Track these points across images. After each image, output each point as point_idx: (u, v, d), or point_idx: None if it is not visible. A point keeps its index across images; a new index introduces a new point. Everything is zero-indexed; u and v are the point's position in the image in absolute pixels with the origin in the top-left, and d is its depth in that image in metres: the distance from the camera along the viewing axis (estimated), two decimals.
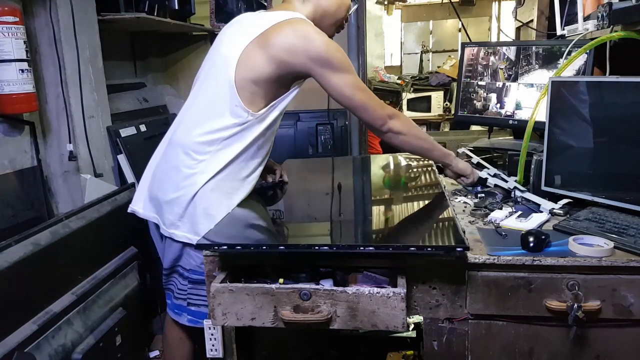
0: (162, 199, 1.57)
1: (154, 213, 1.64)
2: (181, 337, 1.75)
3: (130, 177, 2.54)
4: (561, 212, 1.47)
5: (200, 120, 1.54)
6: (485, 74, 2.02)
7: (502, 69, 1.98)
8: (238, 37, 1.53)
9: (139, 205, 1.69)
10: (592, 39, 1.65)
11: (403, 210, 1.56)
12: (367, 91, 1.56)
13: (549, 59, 1.83)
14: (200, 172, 1.52)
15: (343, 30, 1.75)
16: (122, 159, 2.55)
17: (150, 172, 1.67)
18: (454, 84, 5.61)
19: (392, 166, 2.25)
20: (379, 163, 2.37)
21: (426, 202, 1.59)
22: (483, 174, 1.81)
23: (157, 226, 1.65)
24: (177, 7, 2.81)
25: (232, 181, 1.57)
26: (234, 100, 1.49)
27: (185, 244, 1.57)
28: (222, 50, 1.56)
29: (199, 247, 1.27)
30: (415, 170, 2.08)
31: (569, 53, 1.73)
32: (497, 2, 7.51)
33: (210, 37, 3.24)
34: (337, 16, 1.65)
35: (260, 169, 1.65)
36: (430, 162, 2.07)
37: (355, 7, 1.75)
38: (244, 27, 1.56)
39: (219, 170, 1.53)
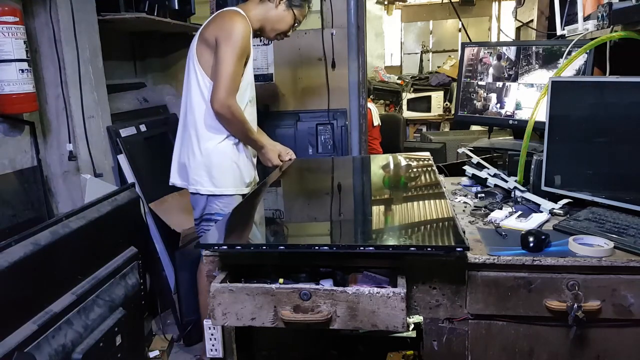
0: (188, 164, 2.07)
1: (183, 181, 2.13)
2: None
3: (130, 177, 2.54)
4: (561, 212, 1.47)
5: (196, 104, 2.02)
6: (485, 74, 2.02)
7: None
8: (197, 32, 2.05)
9: (174, 177, 2.17)
10: (592, 39, 1.65)
11: (403, 210, 1.55)
12: (237, 72, 1.94)
13: (549, 59, 1.83)
14: (208, 139, 2.02)
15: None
16: (122, 159, 2.55)
17: (178, 146, 2.15)
18: (454, 84, 5.61)
19: (392, 166, 2.25)
20: (379, 163, 2.37)
21: (426, 202, 1.59)
22: (483, 174, 1.81)
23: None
24: (177, 7, 2.81)
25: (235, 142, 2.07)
26: (207, 83, 1.98)
27: (209, 196, 2.04)
28: (192, 46, 2.06)
29: (198, 246, 1.27)
30: (415, 170, 2.08)
31: (569, 53, 1.73)
32: (497, 2, 7.52)
33: None
34: (277, 27, 2.09)
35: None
36: (431, 162, 2.07)
37: (297, 26, 2.15)
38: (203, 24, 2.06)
39: (223, 135, 2.02)
